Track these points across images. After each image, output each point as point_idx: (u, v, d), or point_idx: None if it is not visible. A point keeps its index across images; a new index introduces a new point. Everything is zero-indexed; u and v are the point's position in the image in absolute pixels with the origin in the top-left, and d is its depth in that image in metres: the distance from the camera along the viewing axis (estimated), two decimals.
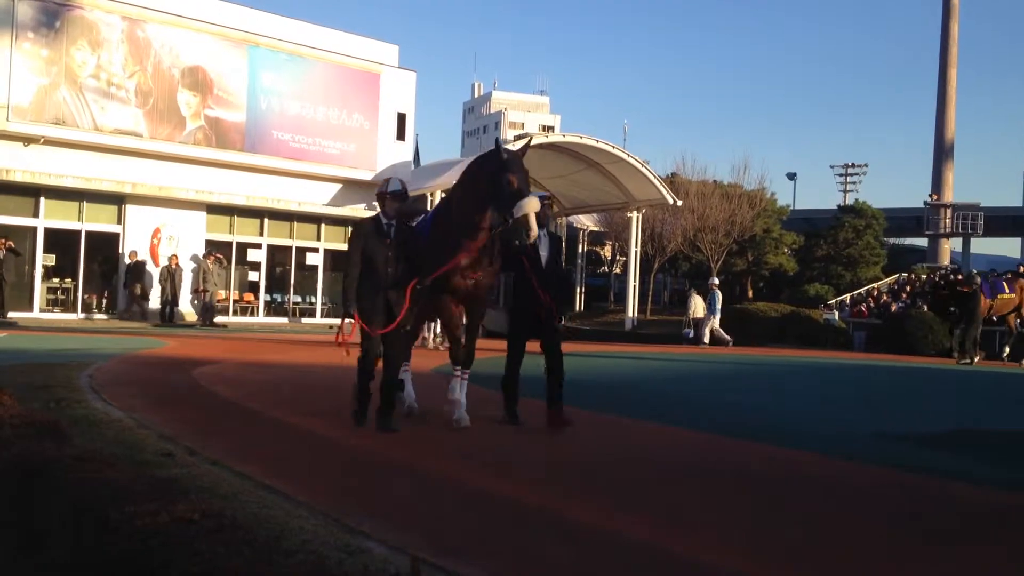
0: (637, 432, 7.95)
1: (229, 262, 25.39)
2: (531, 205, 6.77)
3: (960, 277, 20.53)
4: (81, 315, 23.08)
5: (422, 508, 4.69)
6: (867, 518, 4.90)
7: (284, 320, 26.82)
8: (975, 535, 4.74)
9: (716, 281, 25.48)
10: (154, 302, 23.85)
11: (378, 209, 7.11)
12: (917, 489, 5.87)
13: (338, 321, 7.13)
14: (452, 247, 7.08)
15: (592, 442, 7.30)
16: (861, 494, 5.41)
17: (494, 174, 6.91)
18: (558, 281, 7.84)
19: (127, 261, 23.42)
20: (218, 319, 23.91)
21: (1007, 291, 19.91)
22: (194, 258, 24.14)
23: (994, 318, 20.51)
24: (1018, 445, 8.27)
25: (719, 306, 24.09)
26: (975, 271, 24.33)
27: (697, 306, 25.92)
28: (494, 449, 6.74)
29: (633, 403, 9.91)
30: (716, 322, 24.05)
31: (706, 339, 23.99)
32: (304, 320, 27.24)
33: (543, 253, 7.61)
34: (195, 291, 23.73)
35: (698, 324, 25.14)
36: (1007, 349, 20.32)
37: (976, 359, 19.23)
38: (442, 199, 8.11)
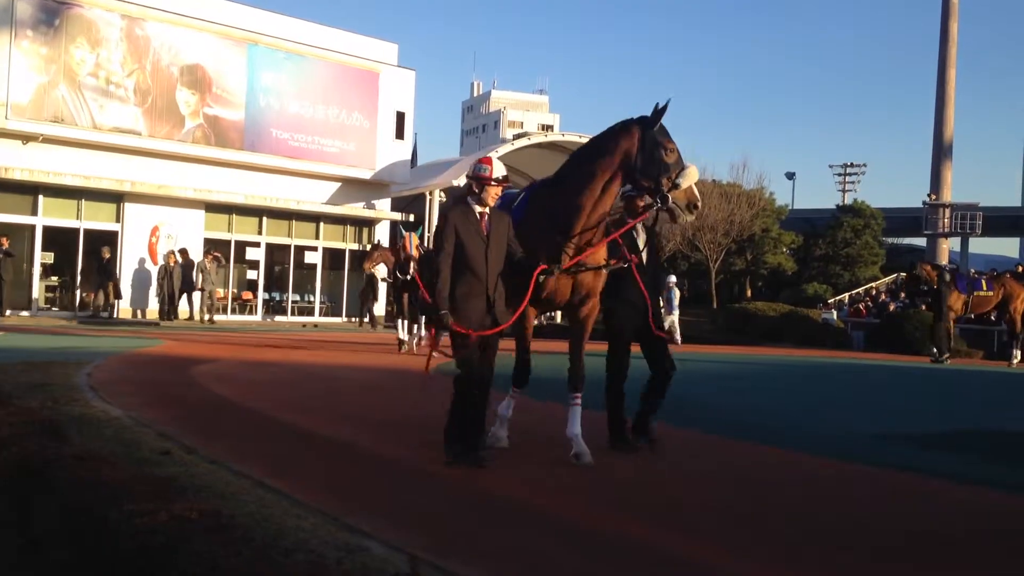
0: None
1: (227, 260, 25.37)
2: (694, 174, 5.90)
3: (928, 269, 20.36)
4: (79, 313, 23.05)
5: (421, 507, 4.69)
6: (867, 520, 4.90)
7: (283, 318, 26.79)
8: (977, 537, 4.73)
9: (674, 279, 25.70)
10: (152, 301, 23.87)
11: (471, 194, 5.81)
12: (917, 490, 5.87)
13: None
14: (553, 238, 5.99)
15: (590, 442, 7.29)
16: (860, 495, 5.40)
17: (645, 140, 5.90)
18: (655, 280, 6.88)
19: (106, 258, 23.05)
20: (215, 317, 23.91)
21: (985, 288, 19.76)
22: (182, 252, 24.01)
23: (971, 315, 20.38)
24: (1018, 446, 8.27)
25: (676, 303, 24.19)
26: (948, 266, 24.19)
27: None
28: (496, 449, 6.72)
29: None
30: (675, 318, 24.24)
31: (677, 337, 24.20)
32: (298, 318, 27.21)
33: (640, 246, 6.69)
34: (197, 290, 23.80)
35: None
36: (1018, 355, 19.56)
37: (947, 357, 19.17)
38: (534, 184, 6.83)
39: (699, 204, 6.04)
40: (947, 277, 19.67)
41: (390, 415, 8.35)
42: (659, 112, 6.00)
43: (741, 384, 13.19)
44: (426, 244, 17.34)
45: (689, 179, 5.89)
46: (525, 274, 5.83)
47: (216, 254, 24.23)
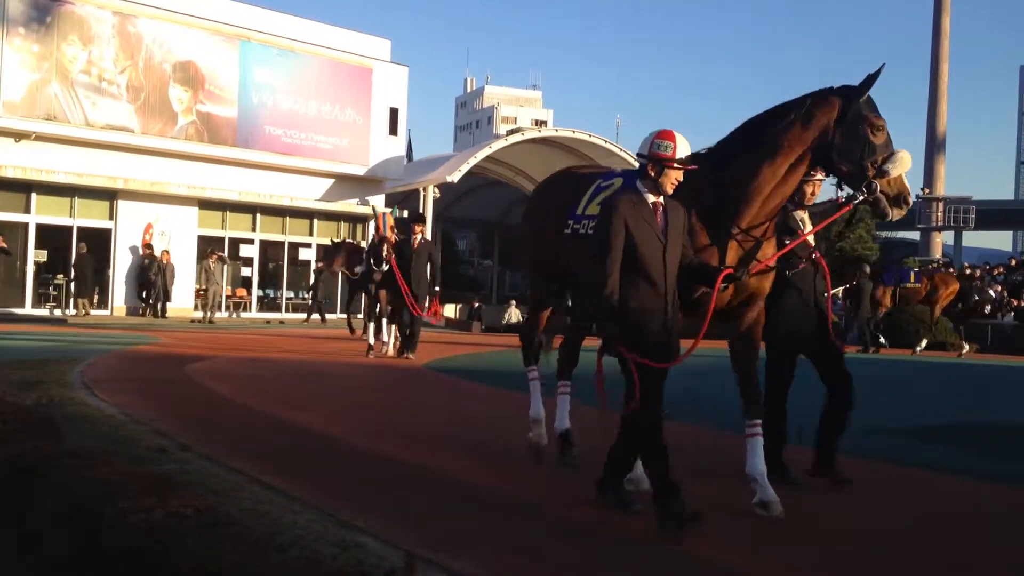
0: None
1: (220, 259, 25.27)
2: (906, 161, 4.87)
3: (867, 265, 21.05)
4: (72, 311, 22.98)
5: (416, 504, 4.70)
6: (863, 513, 4.92)
7: (276, 315, 26.73)
8: (972, 529, 4.76)
9: None
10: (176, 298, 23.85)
11: (642, 180, 4.56)
12: (913, 483, 5.90)
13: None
14: (720, 233, 4.95)
15: (586, 437, 7.30)
16: (857, 488, 5.41)
17: (847, 113, 4.80)
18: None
19: (83, 252, 22.84)
20: (205, 315, 23.86)
21: (912, 281, 20.54)
22: (147, 254, 23.88)
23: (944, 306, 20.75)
24: (1012, 438, 8.30)
25: None
26: (866, 263, 24.71)
27: None
28: (488, 443, 6.74)
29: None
30: None
31: None
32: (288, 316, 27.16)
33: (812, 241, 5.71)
34: (198, 291, 23.82)
35: None
36: (924, 343, 20.28)
37: (874, 350, 19.39)
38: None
39: (910, 198, 5.00)
40: (867, 271, 20.34)
41: (385, 412, 8.36)
42: (869, 80, 4.86)
43: (730, 379, 13.18)
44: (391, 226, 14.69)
45: (900, 166, 4.85)
46: (702, 281, 4.67)
47: (220, 254, 24.14)
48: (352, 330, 17.88)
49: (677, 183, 4.47)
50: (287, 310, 27.24)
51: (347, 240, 21.35)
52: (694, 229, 4.85)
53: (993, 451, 7.44)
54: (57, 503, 4.23)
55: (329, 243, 18.93)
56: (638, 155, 4.54)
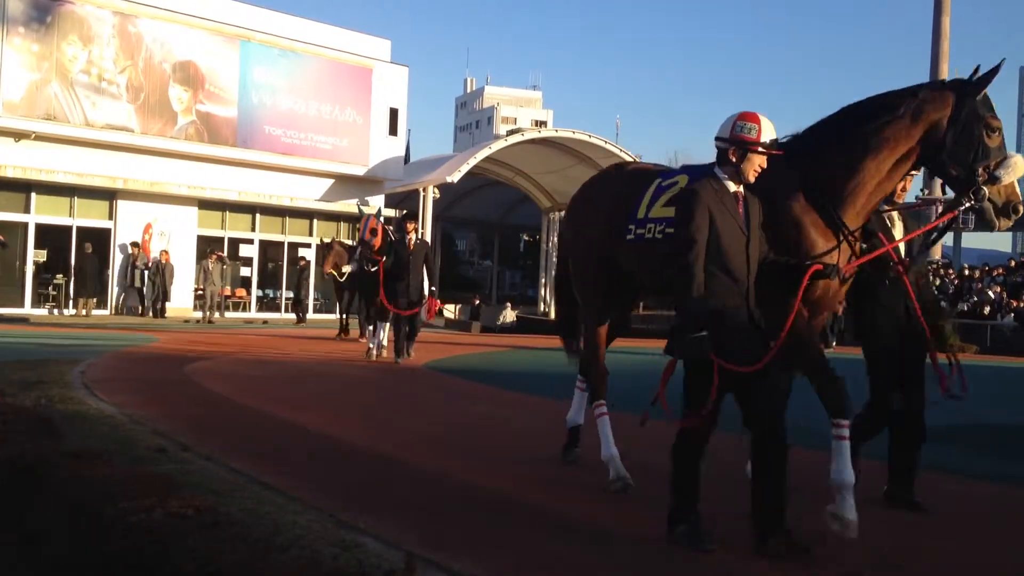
0: (631, 427, 7.94)
1: (220, 259, 25.27)
2: (1021, 167, 4.46)
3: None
4: (72, 311, 22.99)
5: (416, 504, 4.70)
6: (863, 512, 4.91)
7: (276, 315, 26.74)
8: (973, 528, 4.76)
9: None
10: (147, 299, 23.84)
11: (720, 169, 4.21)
12: (918, 484, 5.88)
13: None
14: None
15: (586, 437, 7.30)
16: (858, 488, 5.41)
17: (961, 111, 4.39)
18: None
19: (87, 252, 22.86)
20: (204, 315, 23.86)
21: None
22: (134, 253, 23.72)
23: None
24: (1012, 438, 8.30)
25: None
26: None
27: None
28: (488, 443, 6.74)
29: (630, 398, 9.91)
30: None
31: None
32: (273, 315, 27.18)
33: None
34: (197, 291, 23.81)
35: None
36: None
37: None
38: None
39: (1021, 207, 4.54)
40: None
41: (385, 412, 8.37)
42: (987, 76, 4.45)
43: None
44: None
45: (1014, 172, 4.43)
46: (784, 279, 4.25)
47: (220, 254, 24.14)
48: (346, 332, 17.73)
49: (760, 170, 4.13)
50: (287, 310, 27.24)
51: (337, 240, 20.65)
52: (800, 224, 4.47)
53: (993, 451, 7.44)
54: (57, 503, 4.23)
55: (319, 243, 18.75)
56: (717, 139, 4.20)
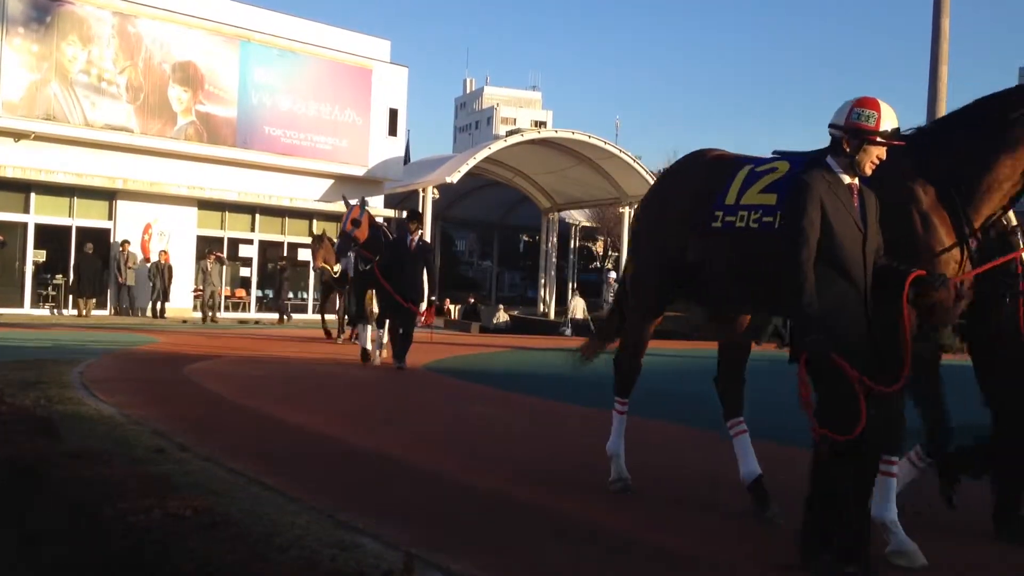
0: (632, 428, 7.94)
1: (218, 259, 25.25)
2: None
3: None
4: (71, 311, 22.98)
5: (416, 504, 4.70)
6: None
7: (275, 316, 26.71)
8: (974, 528, 4.76)
9: (614, 275, 27.15)
10: (144, 298, 23.82)
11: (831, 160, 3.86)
12: (922, 485, 5.89)
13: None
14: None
15: (586, 438, 7.32)
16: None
17: None
18: None
19: (88, 252, 22.81)
20: (205, 316, 23.85)
21: None
22: (125, 252, 23.54)
23: None
24: None
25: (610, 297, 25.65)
26: None
27: (577, 307, 28.25)
28: (487, 444, 6.75)
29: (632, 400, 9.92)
30: None
31: None
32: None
33: None
34: (195, 291, 23.78)
35: (576, 324, 27.00)
36: None
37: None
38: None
39: None
40: None
41: (384, 412, 8.37)
42: None
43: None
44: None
45: None
46: (883, 284, 3.81)
47: (219, 254, 24.13)
48: (328, 332, 17.01)
49: (878, 162, 3.78)
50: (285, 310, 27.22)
51: (328, 237, 18.98)
52: (929, 222, 4.03)
53: None
54: (56, 503, 4.23)
55: (310, 236, 17.66)
56: (831, 127, 3.85)
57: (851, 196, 3.78)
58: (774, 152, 4.76)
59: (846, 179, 3.79)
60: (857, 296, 3.70)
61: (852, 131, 3.75)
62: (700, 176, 4.94)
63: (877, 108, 3.75)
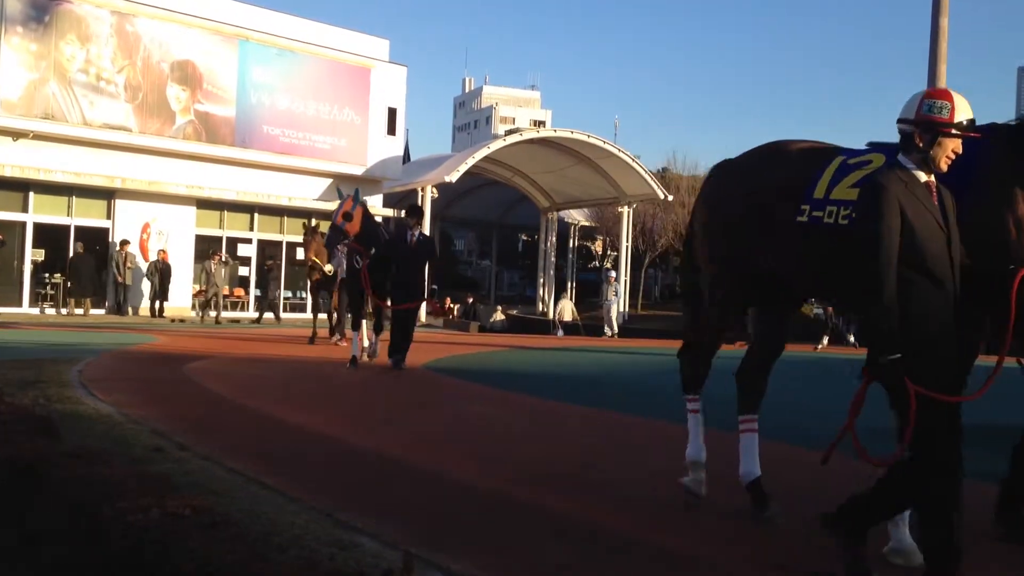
0: (631, 427, 7.95)
1: (222, 260, 25.24)
2: None
3: None
4: (72, 310, 22.97)
5: (415, 504, 4.69)
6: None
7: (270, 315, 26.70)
8: (973, 527, 4.75)
9: (614, 274, 27.63)
10: (144, 298, 23.81)
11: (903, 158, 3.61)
12: None
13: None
14: None
15: (586, 438, 7.31)
16: (857, 487, 5.40)
17: None
18: None
19: (79, 252, 22.86)
20: (208, 315, 23.84)
21: None
22: (122, 251, 23.55)
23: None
24: (1012, 438, 8.28)
25: (610, 296, 26.48)
26: None
27: (565, 309, 28.75)
28: (487, 444, 6.74)
29: (627, 398, 9.93)
30: (613, 310, 26.37)
31: (615, 328, 26.05)
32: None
33: None
34: (199, 292, 23.80)
35: (565, 325, 27.76)
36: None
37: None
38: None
39: None
40: None
41: (383, 412, 8.36)
42: None
43: (730, 379, 13.19)
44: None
45: None
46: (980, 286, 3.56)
47: (221, 255, 24.12)
48: (314, 336, 16.18)
49: (954, 156, 3.53)
50: (285, 310, 27.21)
51: (317, 227, 17.81)
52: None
53: (993, 451, 7.43)
54: (54, 503, 4.22)
55: (303, 228, 16.59)
56: (900, 122, 3.61)
57: (930, 194, 3.52)
58: (868, 144, 4.42)
59: (922, 176, 3.54)
60: (946, 301, 3.43)
61: (924, 124, 3.52)
62: (786, 168, 4.55)
63: (950, 98, 3.54)
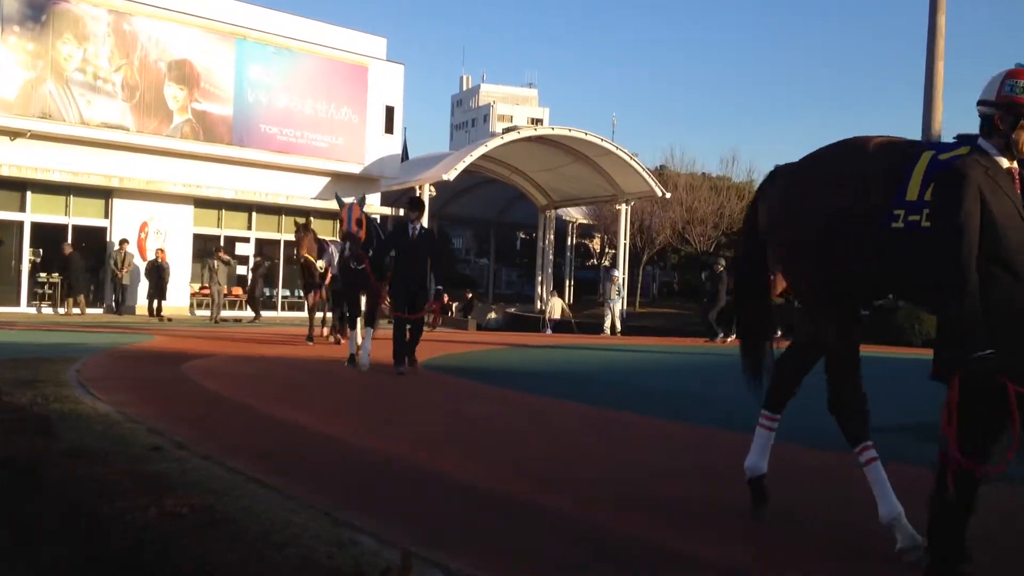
0: (630, 425, 7.95)
1: (223, 259, 25.21)
2: None
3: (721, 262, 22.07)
4: (69, 310, 22.94)
5: (414, 503, 4.69)
6: (865, 512, 4.91)
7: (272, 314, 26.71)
8: (974, 527, 4.75)
9: (617, 273, 27.94)
10: (141, 297, 23.79)
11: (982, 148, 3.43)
12: (913, 480, 5.88)
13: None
14: None
15: (586, 437, 7.31)
16: (857, 487, 5.41)
17: None
18: None
19: (69, 252, 22.65)
20: (212, 314, 23.83)
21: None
22: (120, 250, 23.50)
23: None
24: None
25: (614, 295, 26.64)
26: (721, 255, 26.12)
27: (555, 307, 28.96)
28: (486, 442, 6.74)
29: (624, 397, 9.92)
30: (616, 309, 26.55)
31: (618, 326, 26.19)
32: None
33: None
34: (202, 290, 23.81)
35: (556, 323, 28.12)
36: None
37: (722, 338, 19.95)
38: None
39: None
40: (722, 264, 21.77)
41: (383, 411, 8.35)
42: None
43: (730, 376, 13.21)
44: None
45: None
46: None
47: (223, 254, 24.11)
48: (311, 334, 15.84)
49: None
50: (283, 308, 27.24)
51: (309, 223, 16.73)
52: None
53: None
54: (53, 502, 4.21)
55: (295, 225, 16.07)
56: (980, 103, 3.41)
57: (1012, 182, 3.31)
58: (956, 137, 3.90)
59: (1004, 163, 3.34)
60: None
61: (1007, 106, 3.31)
62: (870, 164, 4.02)
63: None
